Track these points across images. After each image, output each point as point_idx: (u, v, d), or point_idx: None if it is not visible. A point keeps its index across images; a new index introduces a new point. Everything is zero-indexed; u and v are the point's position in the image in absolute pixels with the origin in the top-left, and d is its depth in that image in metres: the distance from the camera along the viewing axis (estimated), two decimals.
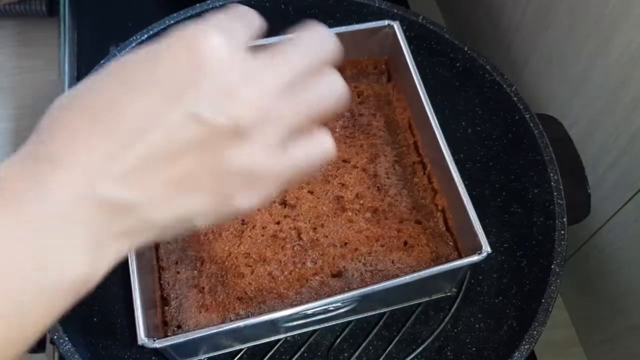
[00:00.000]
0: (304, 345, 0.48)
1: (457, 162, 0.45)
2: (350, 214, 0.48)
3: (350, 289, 0.44)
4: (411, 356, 0.48)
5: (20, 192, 0.26)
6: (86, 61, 0.66)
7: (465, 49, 0.54)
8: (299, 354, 0.48)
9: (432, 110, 0.47)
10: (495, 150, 0.54)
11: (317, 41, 0.31)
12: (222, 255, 0.46)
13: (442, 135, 0.46)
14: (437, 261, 0.47)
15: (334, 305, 0.42)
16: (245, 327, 0.40)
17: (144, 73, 0.28)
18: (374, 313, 0.49)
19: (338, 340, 0.48)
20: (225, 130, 0.28)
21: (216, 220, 0.31)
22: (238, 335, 0.46)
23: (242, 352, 0.48)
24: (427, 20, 0.55)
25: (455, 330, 0.49)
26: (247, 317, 0.44)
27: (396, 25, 0.50)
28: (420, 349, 0.48)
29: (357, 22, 0.51)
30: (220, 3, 0.55)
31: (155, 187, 0.27)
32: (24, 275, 0.25)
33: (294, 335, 0.49)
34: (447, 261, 0.46)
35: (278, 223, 0.48)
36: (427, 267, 0.43)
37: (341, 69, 0.55)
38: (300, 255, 0.46)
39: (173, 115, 0.27)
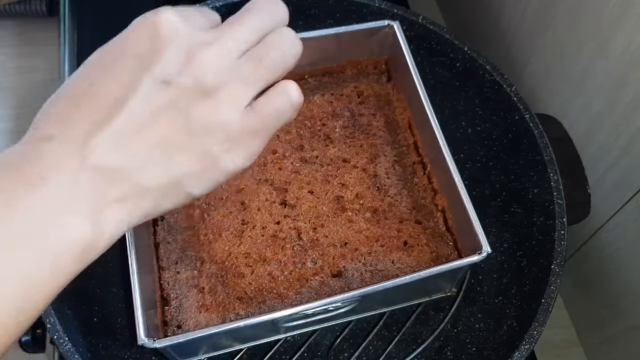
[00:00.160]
0: (304, 345, 0.48)
1: (457, 162, 0.45)
2: (350, 214, 0.48)
3: (350, 289, 0.44)
4: (411, 356, 0.48)
5: (21, 166, 0.28)
6: None
7: (465, 49, 0.54)
8: (299, 354, 0.48)
9: (432, 110, 0.47)
10: (495, 150, 0.54)
11: (267, 5, 0.34)
12: (222, 255, 0.46)
13: (442, 135, 0.46)
14: (437, 261, 0.47)
15: (334, 305, 0.42)
16: (245, 327, 0.41)
17: (113, 54, 0.31)
18: (374, 313, 0.49)
19: (338, 340, 0.48)
20: (191, 89, 0.31)
21: (208, 186, 0.33)
22: (238, 335, 0.46)
23: (242, 352, 0.48)
24: (427, 20, 0.55)
25: (455, 330, 0.49)
26: (247, 317, 0.44)
27: (396, 25, 0.50)
28: (420, 349, 0.48)
29: (357, 22, 0.51)
30: (220, 3, 0.55)
31: (140, 151, 0.30)
32: (28, 240, 0.27)
33: (294, 335, 0.49)
34: (447, 261, 0.46)
35: (278, 223, 0.48)
36: (427, 267, 0.43)
37: (341, 69, 0.55)
38: (300, 255, 0.46)
39: (144, 83, 0.30)
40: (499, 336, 0.47)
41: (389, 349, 0.48)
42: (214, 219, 0.48)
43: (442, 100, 0.55)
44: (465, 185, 0.44)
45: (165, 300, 0.45)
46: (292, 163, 0.50)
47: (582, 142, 0.52)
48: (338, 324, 0.49)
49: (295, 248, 0.47)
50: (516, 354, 0.43)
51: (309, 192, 0.49)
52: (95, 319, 0.47)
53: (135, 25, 0.32)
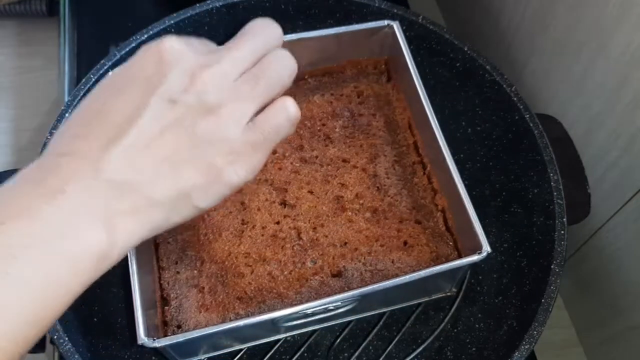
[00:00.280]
0: (304, 345, 0.48)
1: (457, 162, 0.45)
2: (350, 213, 0.48)
3: (350, 289, 0.44)
4: (411, 356, 0.48)
5: (40, 180, 0.31)
6: (86, 61, 0.66)
7: (465, 49, 0.54)
8: (299, 354, 0.48)
9: (432, 110, 0.47)
10: (495, 150, 0.54)
11: (262, 29, 0.38)
12: (222, 255, 0.46)
13: (442, 135, 0.46)
14: (437, 261, 0.47)
15: (333, 304, 0.42)
16: (245, 326, 0.41)
17: (122, 79, 0.34)
18: (374, 313, 0.49)
19: (338, 340, 0.48)
20: (196, 107, 0.34)
21: (214, 199, 0.35)
22: (238, 335, 0.46)
23: (242, 352, 0.48)
24: (427, 20, 0.55)
25: (455, 330, 0.49)
26: (247, 316, 0.44)
27: (396, 25, 0.50)
28: (420, 349, 0.48)
29: (357, 22, 0.51)
30: (220, 3, 0.55)
31: (150, 165, 0.33)
32: (49, 248, 0.29)
33: (294, 335, 0.49)
34: (447, 261, 0.46)
35: (278, 223, 0.48)
36: (427, 267, 0.43)
37: (341, 69, 0.55)
38: (300, 255, 0.46)
39: (152, 102, 0.33)
40: (499, 336, 0.47)
41: (389, 349, 0.48)
42: (213, 219, 0.48)
43: (442, 100, 0.55)
44: (465, 185, 0.44)
45: (165, 300, 0.45)
46: (291, 163, 0.50)
47: (582, 142, 0.52)
48: (338, 324, 0.49)
49: (295, 248, 0.47)
50: (516, 354, 0.43)
51: (309, 192, 0.49)
52: (95, 319, 0.47)
53: (141, 52, 0.35)
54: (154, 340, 0.39)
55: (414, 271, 0.43)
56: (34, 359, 0.53)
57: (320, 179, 0.49)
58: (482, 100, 0.55)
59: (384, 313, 0.49)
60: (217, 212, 0.48)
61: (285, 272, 0.46)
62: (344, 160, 0.51)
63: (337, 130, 0.52)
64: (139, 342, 0.39)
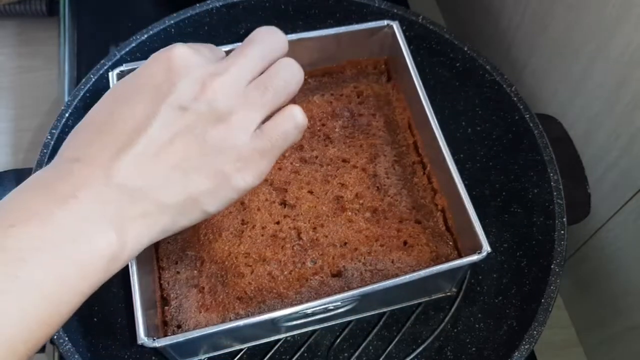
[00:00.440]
0: (304, 345, 0.48)
1: (457, 162, 0.45)
2: (350, 213, 0.48)
3: (350, 289, 0.44)
4: (411, 356, 0.48)
5: (53, 185, 0.32)
6: (86, 61, 0.66)
7: (465, 49, 0.54)
8: (299, 354, 0.48)
9: (432, 110, 0.47)
10: (495, 150, 0.54)
11: (268, 37, 0.38)
12: (222, 255, 0.46)
13: (442, 135, 0.46)
14: (437, 261, 0.47)
15: (333, 304, 0.42)
16: (245, 326, 0.41)
17: (132, 87, 0.35)
18: (374, 313, 0.49)
19: (338, 340, 0.48)
20: (206, 115, 0.34)
21: (222, 203, 0.36)
22: (238, 335, 0.46)
23: (242, 352, 0.48)
24: (427, 20, 0.55)
25: (455, 330, 0.49)
26: (247, 316, 0.44)
27: (396, 25, 0.51)
28: (420, 349, 0.48)
29: (357, 22, 0.51)
30: (220, 3, 0.55)
31: (160, 172, 0.33)
32: (59, 250, 0.30)
33: (294, 335, 0.49)
34: (447, 261, 0.46)
35: (278, 223, 0.48)
36: (427, 267, 0.43)
37: (341, 69, 0.55)
38: (300, 255, 0.46)
39: (162, 110, 0.33)
40: (499, 336, 0.47)
41: (389, 349, 0.48)
42: (213, 219, 0.48)
43: (442, 100, 0.55)
44: (465, 185, 0.44)
45: (165, 300, 0.45)
46: (291, 163, 0.50)
47: (582, 142, 0.52)
48: (338, 324, 0.49)
49: (295, 248, 0.47)
50: (516, 354, 0.43)
51: (309, 192, 0.49)
52: (95, 319, 0.47)
53: (150, 61, 0.35)
54: (154, 340, 0.39)
55: (414, 271, 0.43)
56: (34, 359, 0.53)
57: (320, 179, 0.49)
58: (482, 100, 0.55)
59: (384, 313, 0.49)
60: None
61: (285, 272, 0.46)
62: (344, 160, 0.51)
63: (337, 130, 0.52)
64: (139, 342, 0.39)
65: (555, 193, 0.48)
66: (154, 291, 0.45)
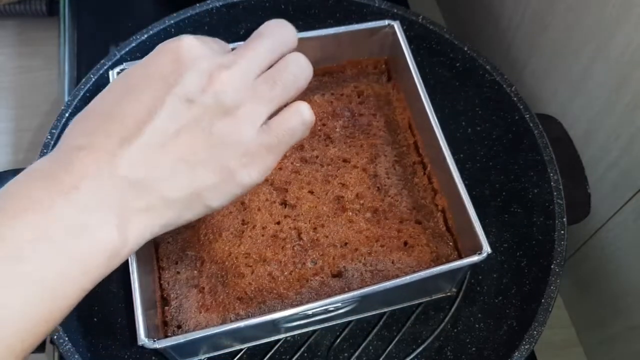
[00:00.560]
0: (304, 345, 0.48)
1: (457, 162, 0.45)
2: (350, 214, 0.48)
3: (350, 289, 0.44)
4: (411, 356, 0.48)
5: (54, 174, 0.30)
6: (86, 61, 0.66)
7: (465, 49, 0.54)
8: (299, 354, 0.48)
9: (432, 110, 0.47)
10: (495, 150, 0.54)
11: (278, 30, 0.37)
12: (222, 255, 0.46)
13: (442, 135, 0.46)
14: (437, 261, 0.47)
15: (334, 305, 0.42)
16: (246, 327, 0.41)
17: (138, 77, 0.34)
18: (374, 313, 0.49)
19: (338, 340, 0.48)
20: (213, 108, 0.33)
21: (226, 198, 0.35)
22: (238, 335, 0.46)
23: (242, 352, 0.48)
24: (427, 20, 0.55)
25: (455, 330, 0.49)
26: (247, 317, 0.44)
27: (396, 25, 0.50)
28: (420, 349, 0.48)
29: (357, 22, 0.51)
30: (220, 3, 0.55)
31: (165, 164, 0.32)
32: (59, 243, 0.29)
33: (294, 335, 0.49)
34: (447, 261, 0.46)
35: (278, 223, 0.48)
36: (427, 267, 0.43)
37: (341, 69, 0.55)
38: (300, 256, 0.46)
39: (169, 101, 0.32)
40: (499, 336, 0.47)
41: (389, 349, 0.48)
42: (214, 219, 0.48)
43: (442, 100, 0.55)
44: (465, 185, 0.44)
45: (165, 300, 0.45)
46: (292, 163, 0.50)
47: (582, 142, 0.52)
48: (338, 324, 0.49)
49: (295, 248, 0.47)
50: (516, 354, 0.43)
51: (309, 192, 0.49)
52: (95, 319, 0.47)
53: (157, 50, 0.34)
54: (155, 341, 0.39)
55: (414, 272, 0.43)
56: (34, 359, 0.53)
57: (320, 179, 0.49)
58: (482, 100, 0.55)
59: (384, 313, 0.49)
60: (217, 212, 0.48)
61: (286, 273, 0.46)
62: (345, 160, 0.51)
63: (337, 130, 0.52)
64: (139, 343, 0.39)
65: (555, 193, 0.48)
66: (154, 291, 0.45)
